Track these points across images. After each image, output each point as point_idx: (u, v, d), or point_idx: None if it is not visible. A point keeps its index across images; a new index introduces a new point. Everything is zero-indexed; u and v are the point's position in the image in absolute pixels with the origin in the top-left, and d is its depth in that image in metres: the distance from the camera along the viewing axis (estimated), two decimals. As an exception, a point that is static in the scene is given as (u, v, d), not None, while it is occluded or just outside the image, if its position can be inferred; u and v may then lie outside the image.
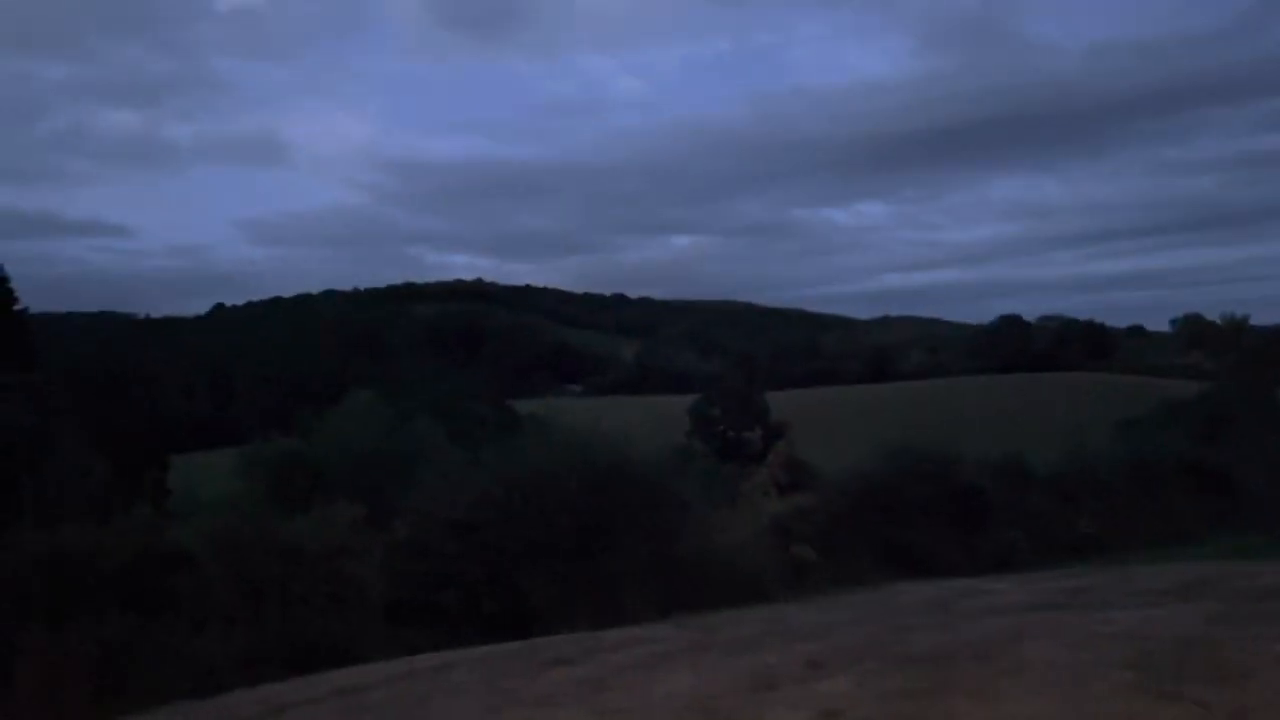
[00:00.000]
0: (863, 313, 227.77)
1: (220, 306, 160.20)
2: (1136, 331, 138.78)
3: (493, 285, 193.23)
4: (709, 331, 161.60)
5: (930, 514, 19.29)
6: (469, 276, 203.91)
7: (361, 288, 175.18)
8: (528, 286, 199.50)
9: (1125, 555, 18.69)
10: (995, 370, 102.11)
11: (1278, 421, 33.30)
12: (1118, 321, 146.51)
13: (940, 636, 7.77)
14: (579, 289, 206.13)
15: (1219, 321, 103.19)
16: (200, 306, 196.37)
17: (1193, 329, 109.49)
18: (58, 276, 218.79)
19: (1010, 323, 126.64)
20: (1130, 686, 5.53)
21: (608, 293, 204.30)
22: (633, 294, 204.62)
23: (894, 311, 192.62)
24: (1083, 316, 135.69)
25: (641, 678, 6.73)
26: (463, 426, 32.84)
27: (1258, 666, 5.95)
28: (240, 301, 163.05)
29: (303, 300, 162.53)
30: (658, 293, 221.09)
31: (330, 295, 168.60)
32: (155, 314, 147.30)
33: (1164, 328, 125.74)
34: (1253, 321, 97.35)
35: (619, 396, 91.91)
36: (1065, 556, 19.65)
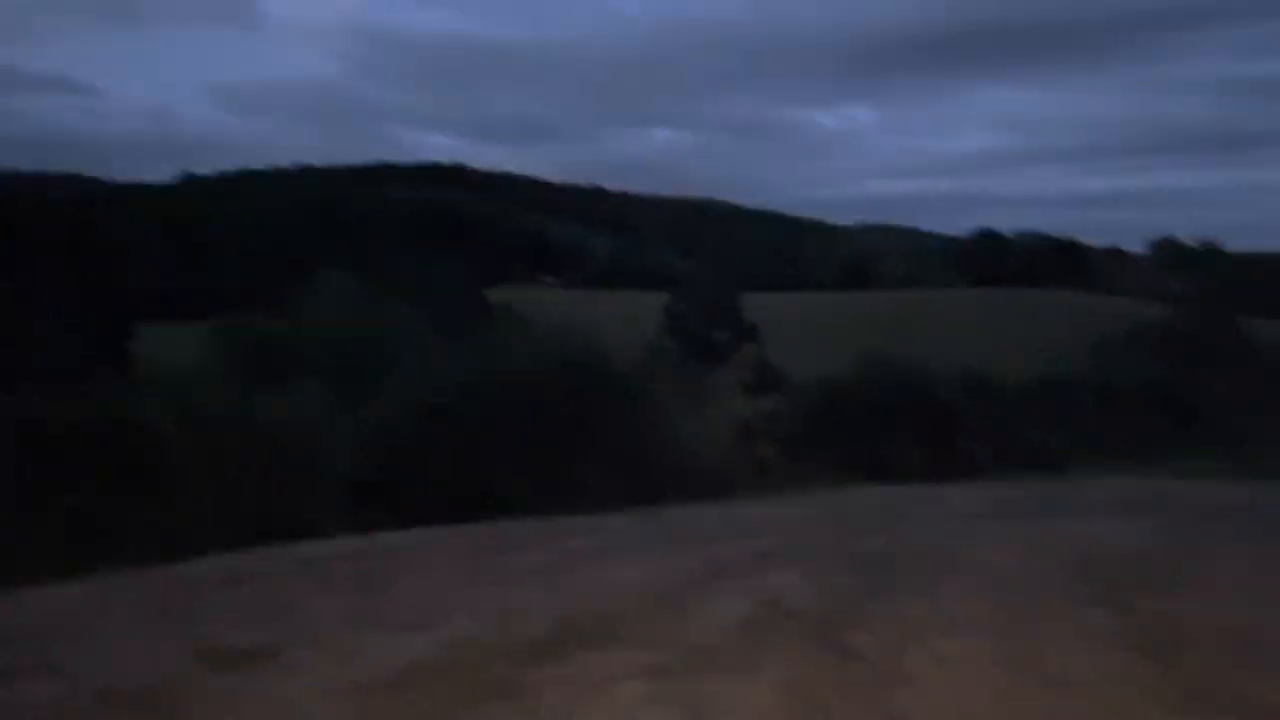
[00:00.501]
0: (844, 218, 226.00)
1: (190, 176, 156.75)
2: (1114, 252, 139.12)
3: (471, 171, 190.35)
4: (687, 229, 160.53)
5: (897, 422, 19.54)
6: (446, 158, 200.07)
7: (336, 163, 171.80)
8: (506, 174, 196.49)
9: (1085, 471, 19.07)
10: (972, 283, 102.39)
11: (1242, 347, 33.79)
12: (1099, 240, 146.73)
13: (890, 538, 7.99)
14: (557, 178, 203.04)
15: (1194, 245, 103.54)
16: (168, 172, 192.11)
17: (1167, 251, 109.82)
18: (20, 133, 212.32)
19: (988, 236, 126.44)
20: (1066, 593, 5.74)
21: (586, 184, 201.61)
22: (612, 186, 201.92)
23: (874, 218, 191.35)
24: (1064, 233, 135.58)
25: (598, 564, 6.91)
26: (437, 312, 32.76)
27: (1194, 579, 6.18)
28: (210, 171, 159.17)
29: (275, 176, 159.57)
30: (637, 187, 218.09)
31: (304, 171, 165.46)
32: (121, 177, 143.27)
33: (1142, 249, 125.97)
34: (1226, 247, 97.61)
35: (595, 290, 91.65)
36: (1027, 470, 20.02)
